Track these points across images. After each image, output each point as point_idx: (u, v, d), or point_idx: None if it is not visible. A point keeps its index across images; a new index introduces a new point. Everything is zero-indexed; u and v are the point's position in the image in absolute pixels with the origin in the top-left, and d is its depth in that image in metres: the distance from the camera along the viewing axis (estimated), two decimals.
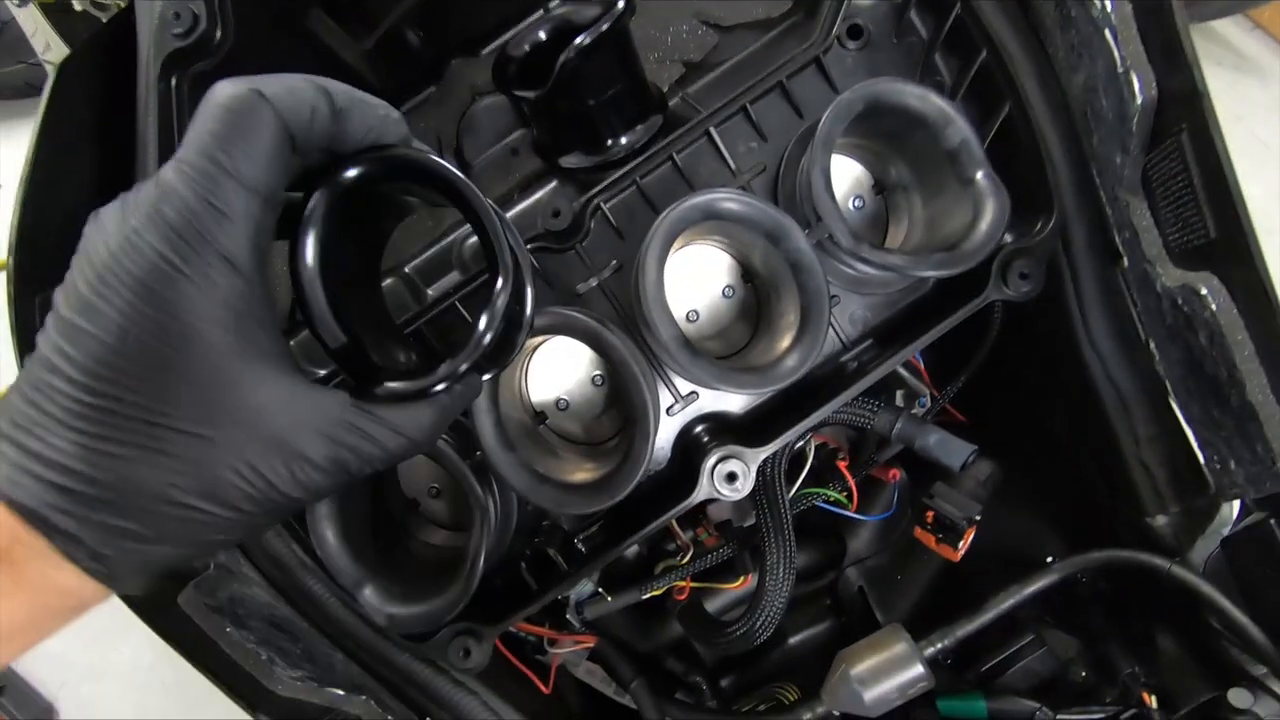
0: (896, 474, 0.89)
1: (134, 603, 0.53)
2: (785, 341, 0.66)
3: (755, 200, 0.62)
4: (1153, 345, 0.64)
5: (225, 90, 0.37)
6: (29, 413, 0.35)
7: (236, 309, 0.37)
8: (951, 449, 0.70)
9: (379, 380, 0.42)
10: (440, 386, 0.42)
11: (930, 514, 0.72)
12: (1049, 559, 0.77)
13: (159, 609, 0.55)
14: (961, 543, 0.71)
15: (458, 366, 0.43)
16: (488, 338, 0.43)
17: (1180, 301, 0.54)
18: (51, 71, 0.74)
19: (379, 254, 0.52)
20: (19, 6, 0.78)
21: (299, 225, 0.41)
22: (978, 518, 0.71)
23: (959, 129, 0.63)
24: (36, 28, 0.75)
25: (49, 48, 0.78)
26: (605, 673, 0.88)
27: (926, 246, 0.67)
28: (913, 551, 0.94)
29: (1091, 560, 0.71)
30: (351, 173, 0.41)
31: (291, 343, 0.65)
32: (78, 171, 0.77)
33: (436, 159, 0.43)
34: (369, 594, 0.63)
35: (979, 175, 0.63)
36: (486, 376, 0.47)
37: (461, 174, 0.43)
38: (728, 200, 0.62)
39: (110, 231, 0.36)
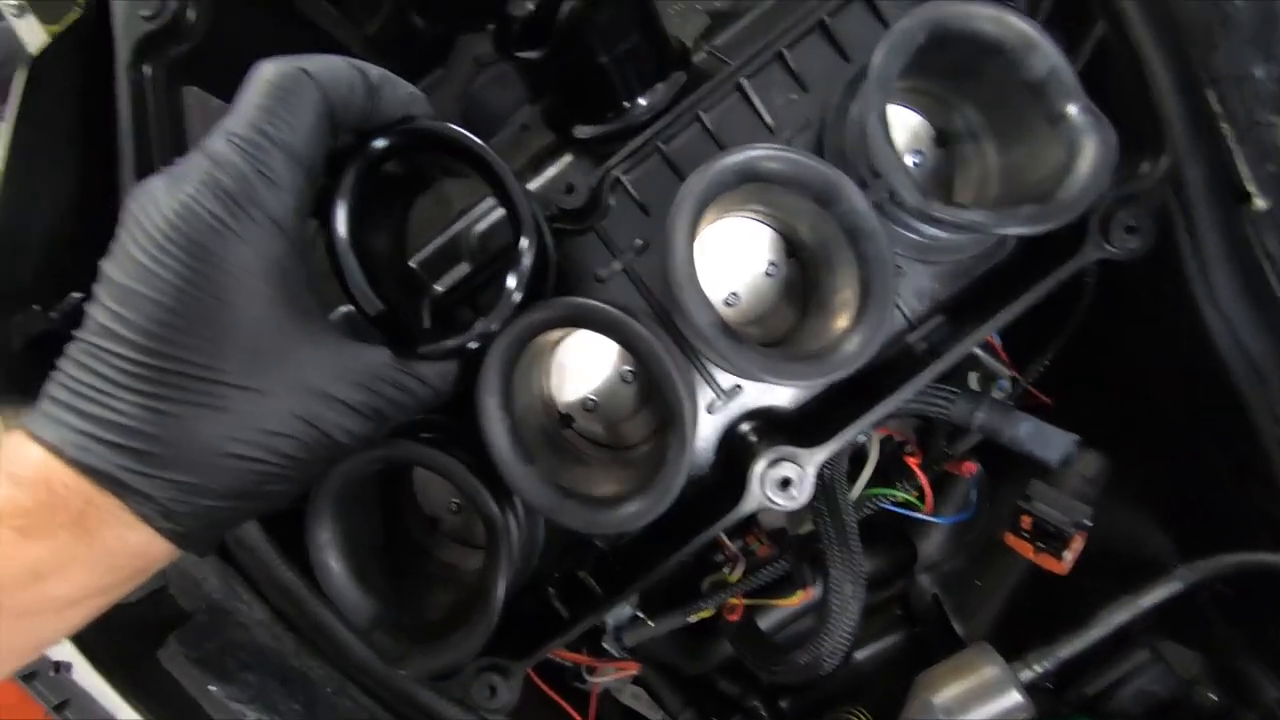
0: (972, 468, 0.78)
1: (105, 663, 0.47)
2: (842, 322, 0.56)
3: (802, 156, 0.53)
4: None
5: (271, 68, 0.40)
6: (87, 379, 0.36)
7: (283, 268, 0.39)
8: (1049, 440, 0.59)
9: (414, 340, 0.46)
10: (473, 345, 0.47)
11: (1027, 519, 0.61)
12: (1163, 560, 0.65)
13: (135, 669, 0.48)
14: (1068, 552, 0.60)
15: (489, 325, 0.47)
16: (516, 296, 0.47)
17: None
18: (22, 71, 0.68)
19: (404, 226, 0.56)
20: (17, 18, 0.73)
21: (331, 197, 0.44)
22: (1089, 523, 0.60)
23: (1045, 54, 0.52)
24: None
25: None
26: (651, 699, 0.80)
27: (1008, 200, 0.56)
28: (993, 554, 0.84)
29: (1224, 564, 0.59)
30: (380, 143, 0.44)
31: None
32: (58, 179, 0.71)
33: (456, 128, 0.46)
34: (380, 636, 0.55)
35: (1072, 109, 0.52)
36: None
37: (481, 141, 0.46)
38: (769, 159, 0.52)
39: (162, 201, 0.37)
